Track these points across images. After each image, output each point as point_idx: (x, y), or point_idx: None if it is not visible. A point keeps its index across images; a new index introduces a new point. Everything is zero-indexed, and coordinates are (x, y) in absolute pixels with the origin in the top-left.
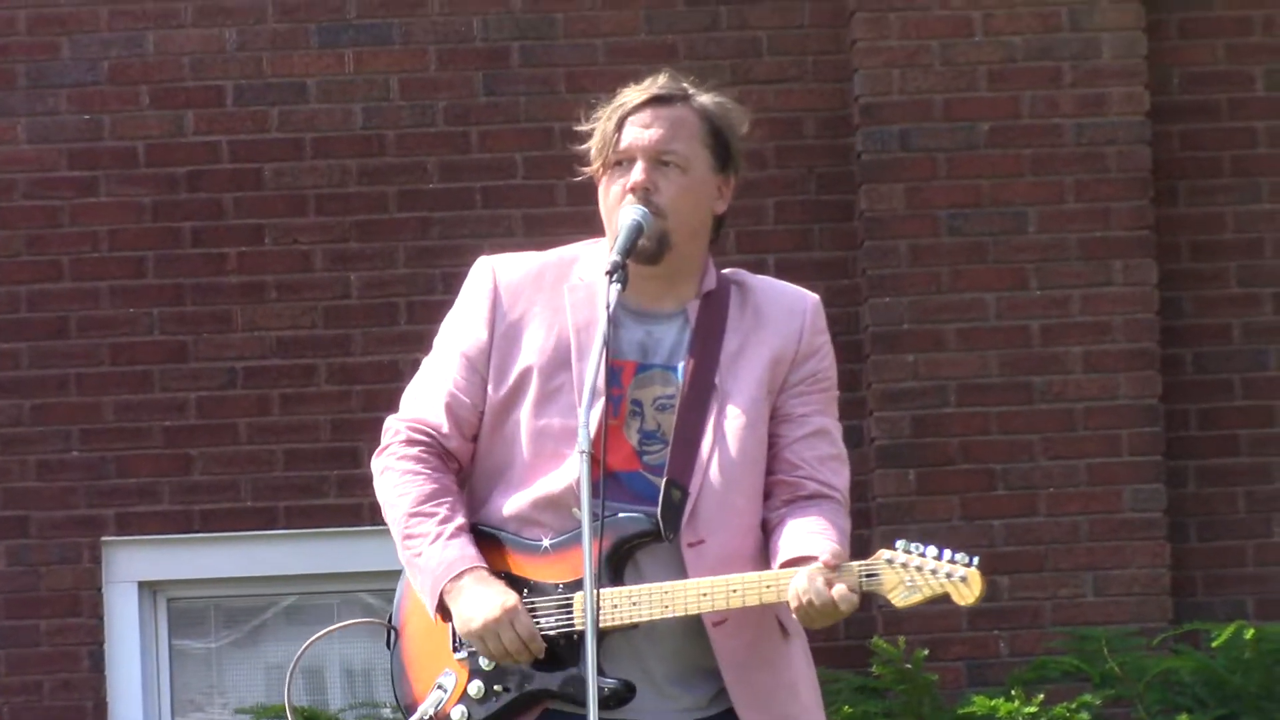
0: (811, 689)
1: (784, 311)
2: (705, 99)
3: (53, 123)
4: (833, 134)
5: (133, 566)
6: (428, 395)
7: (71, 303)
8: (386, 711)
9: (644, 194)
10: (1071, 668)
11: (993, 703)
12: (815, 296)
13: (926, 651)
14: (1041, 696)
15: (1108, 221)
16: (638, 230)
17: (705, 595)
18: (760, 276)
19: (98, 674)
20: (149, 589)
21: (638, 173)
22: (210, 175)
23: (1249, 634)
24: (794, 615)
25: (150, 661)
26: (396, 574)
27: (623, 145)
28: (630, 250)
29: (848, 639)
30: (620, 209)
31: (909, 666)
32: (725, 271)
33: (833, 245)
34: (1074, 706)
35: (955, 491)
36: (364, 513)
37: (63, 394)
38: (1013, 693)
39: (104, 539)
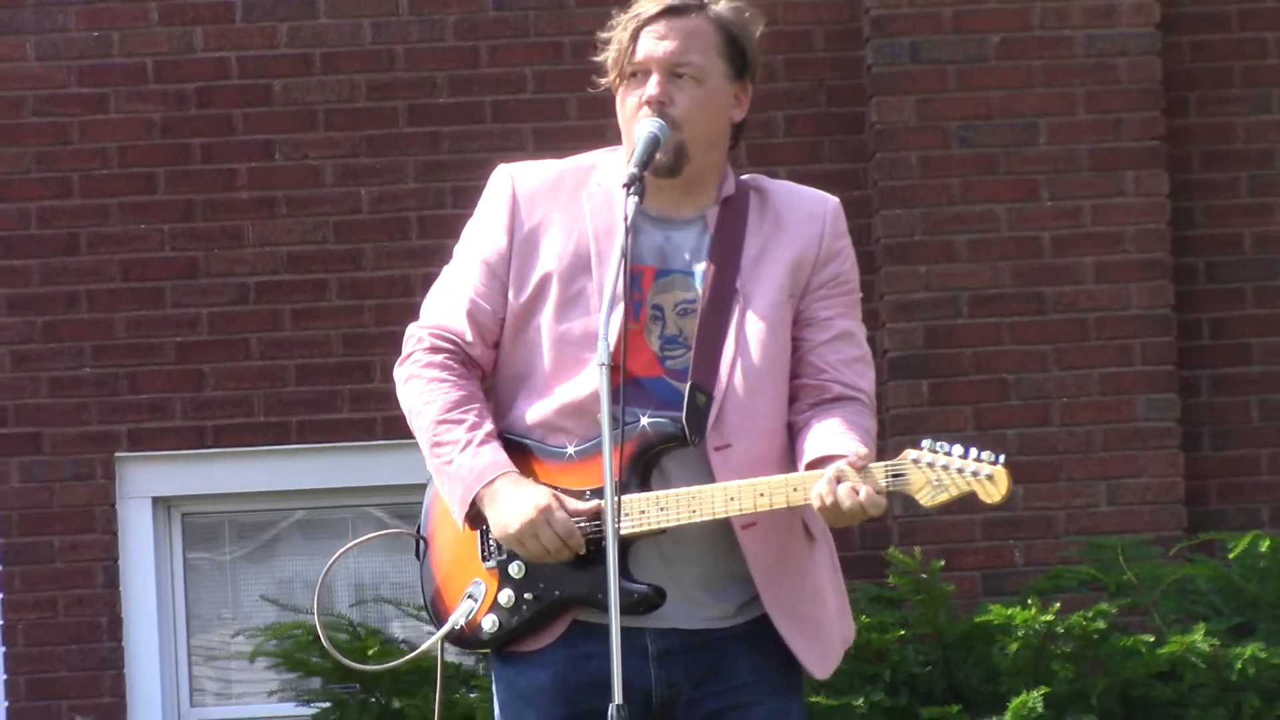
0: (837, 593)
1: (804, 215)
2: (720, 7)
3: (61, 40)
4: (843, 47)
5: (146, 482)
6: (449, 303)
7: (82, 219)
8: (406, 609)
9: (659, 107)
10: (1087, 577)
11: (1009, 612)
12: (835, 199)
13: (943, 562)
14: (1058, 605)
15: (1118, 132)
16: (655, 143)
17: (733, 499)
18: (780, 181)
19: (112, 590)
20: (162, 504)
21: (652, 86)
22: (220, 91)
23: (1265, 544)
24: (819, 515)
25: (165, 577)
26: (409, 488)
27: (638, 57)
28: (647, 163)
29: (863, 549)
30: (637, 121)
31: (925, 576)
32: (744, 177)
33: (843, 158)
34: (1090, 615)
35: (968, 402)
36: (376, 427)
37: (74, 311)
38: (1029, 602)
39: (117, 455)
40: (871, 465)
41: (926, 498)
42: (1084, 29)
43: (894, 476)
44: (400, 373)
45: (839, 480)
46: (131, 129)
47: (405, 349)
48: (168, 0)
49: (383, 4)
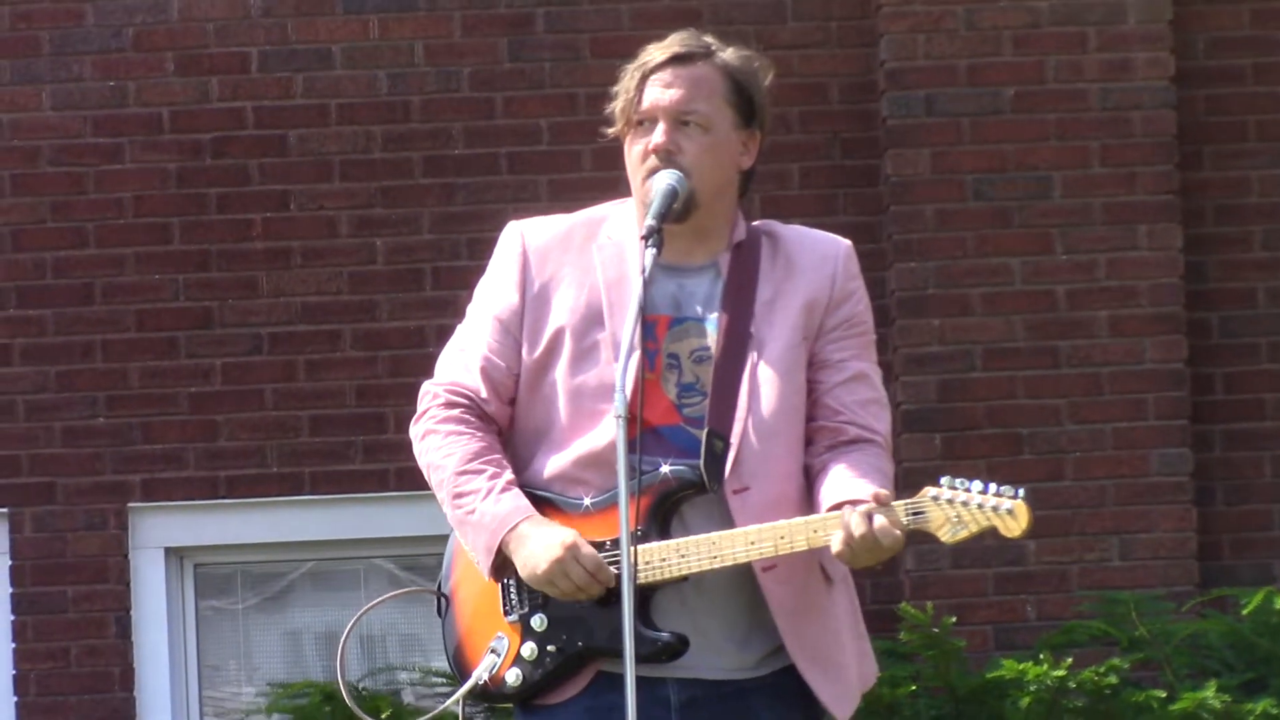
0: (856, 636)
1: (816, 258)
2: (727, 55)
3: (77, 89)
4: (857, 99)
5: (159, 533)
6: (463, 360)
7: (97, 269)
8: (405, 675)
9: (666, 155)
10: (1100, 632)
11: (1021, 667)
12: (847, 242)
13: (954, 618)
14: (1070, 660)
15: (1133, 186)
16: (673, 195)
17: (753, 543)
18: (791, 225)
19: (124, 640)
20: (175, 555)
21: (659, 134)
22: (235, 141)
23: (1278, 600)
24: (837, 556)
25: (177, 627)
26: (421, 539)
27: (644, 106)
28: (665, 215)
29: (875, 603)
30: (655, 174)
31: (936, 631)
32: (755, 223)
33: (858, 210)
34: (1102, 670)
35: (981, 456)
36: (390, 478)
37: (88, 360)
38: (1041, 657)
39: (130, 505)
40: (892, 504)
41: (947, 534)
42: (1099, 82)
43: (914, 514)
44: (416, 429)
45: (859, 517)
46: (147, 179)
47: (420, 406)
48: (184, 50)
49: (398, 55)
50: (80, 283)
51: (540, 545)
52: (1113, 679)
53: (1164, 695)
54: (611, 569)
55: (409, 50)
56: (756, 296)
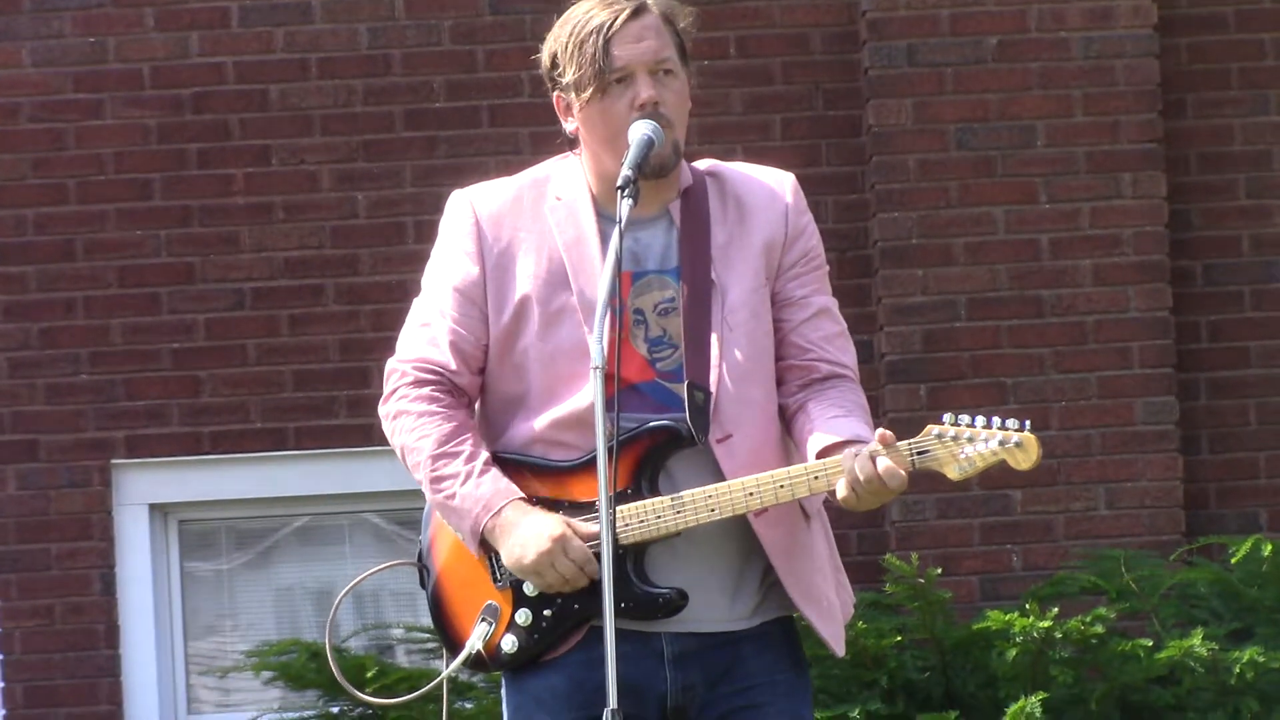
0: (835, 568)
1: (766, 197)
2: (658, 1)
3: (57, 46)
4: (840, 50)
5: (143, 489)
6: (428, 335)
7: (78, 225)
8: (397, 631)
9: (654, 107)
10: (1089, 584)
11: (1007, 617)
12: (792, 175)
13: (940, 569)
14: (1056, 610)
15: (1116, 135)
16: (649, 145)
17: (751, 494)
18: (733, 165)
19: (109, 597)
20: (159, 511)
21: (646, 86)
22: (216, 96)
23: (1267, 548)
24: (842, 500)
25: (162, 584)
26: (406, 494)
27: (620, 63)
28: (642, 165)
29: (860, 554)
30: (630, 125)
31: (922, 582)
32: (697, 164)
33: (841, 161)
34: (1088, 620)
35: (966, 406)
36: (373, 433)
37: (70, 317)
38: (1027, 607)
39: (114, 462)
40: (896, 444)
41: (955, 472)
42: (1081, 31)
43: (920, 454)
44: (386, 409)
45: (864, 460)
46: (128, 135)
47: (388, 385)
48: (164, 5)
49: (379, 8)
50: (61, 239)
51: (528, 535)
52: (1099, 629)
53: (1150, 644)
54: (596, 565)
55: (389, 3)
56: (712, 242)
